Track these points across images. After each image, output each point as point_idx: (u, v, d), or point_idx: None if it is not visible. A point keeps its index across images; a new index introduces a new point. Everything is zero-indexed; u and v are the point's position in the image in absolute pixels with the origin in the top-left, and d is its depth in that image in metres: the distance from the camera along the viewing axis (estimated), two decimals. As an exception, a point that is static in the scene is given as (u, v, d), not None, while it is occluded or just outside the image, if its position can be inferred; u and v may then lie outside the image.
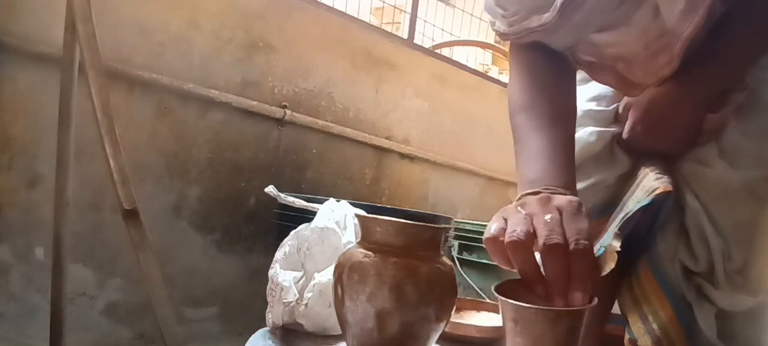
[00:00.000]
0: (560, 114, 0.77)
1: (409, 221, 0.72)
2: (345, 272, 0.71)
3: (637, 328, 0.76)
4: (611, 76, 0.79)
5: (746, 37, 0.74)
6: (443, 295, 0.72)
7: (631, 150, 0.83)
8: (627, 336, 0.77)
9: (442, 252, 0.79)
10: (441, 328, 0.75)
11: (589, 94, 0.89)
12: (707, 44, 0.74)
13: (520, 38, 0.78)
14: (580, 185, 0.85)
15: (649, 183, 0.73)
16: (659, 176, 0.73)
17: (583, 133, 0.84)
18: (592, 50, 0.77)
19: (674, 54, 0.70)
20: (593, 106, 0.87)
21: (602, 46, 0.76)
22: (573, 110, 0.81)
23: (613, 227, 0.74)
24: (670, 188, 0.69)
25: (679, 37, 0.68)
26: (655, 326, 0.74)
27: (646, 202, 0.70)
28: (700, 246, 0.73)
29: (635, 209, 0.71)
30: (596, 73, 0.80)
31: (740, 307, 0.72)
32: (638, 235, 0.76)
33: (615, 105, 0.86)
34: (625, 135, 0.81)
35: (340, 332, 0.96)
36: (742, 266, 0.71)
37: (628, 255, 0.78)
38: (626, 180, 0.81)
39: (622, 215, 0.74)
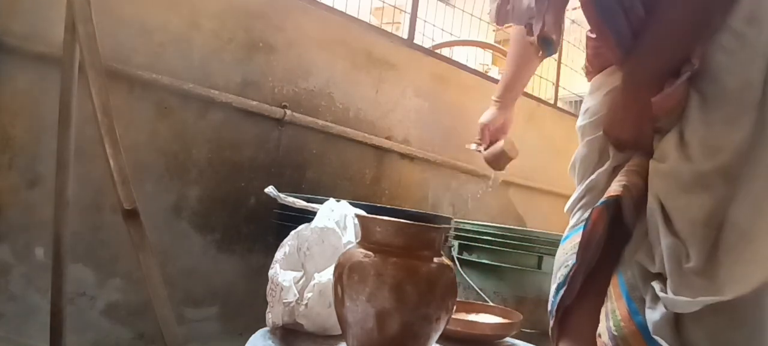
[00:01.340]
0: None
1: (409, 221, 0.72)
2: (345, 272, 0.71)
3: (602, 325, 0.78)
4: (535, 51, 1.06)
5: (675, 13, 0.74)
6: (443, 295, 0.72)
7: (614, 146, 0.85)
8: (598, 330, 0.79)
9: (442, 252, 0.79)
10: (441, 328, 0.75)
11: (586, 106, 0.94)
12: (644, 29, 0.76)
13: (496, 22, 1.10)
14: (578, 193, 0.90)
15: (611, 185, 0.77)
16: (622, 178, 0.76)
17: (580, 145, 0.91)
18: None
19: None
20: (590, 119, 0.91)
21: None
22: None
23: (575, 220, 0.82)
24: (621, 192, 0.74)
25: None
26: (611, 323, 0.75)
27: (597, 204, 0.76)
28: (657, 246, 0.73)
29: (588, 212, 0.76)
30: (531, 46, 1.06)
31: (682, 309, 0.71)
32: (609, 235, 0.79)
33: (601, 112, 0.90)
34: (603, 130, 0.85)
35: (340, 332, 0.96)
36: (702, 266, 0.70)
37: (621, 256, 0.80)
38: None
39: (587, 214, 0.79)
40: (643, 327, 0.73)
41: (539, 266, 1.85)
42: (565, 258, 0.86)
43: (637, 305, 0.74)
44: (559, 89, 3.71)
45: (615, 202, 0.75)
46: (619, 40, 0.77)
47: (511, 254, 1.88)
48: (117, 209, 1.27)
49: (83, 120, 1.36)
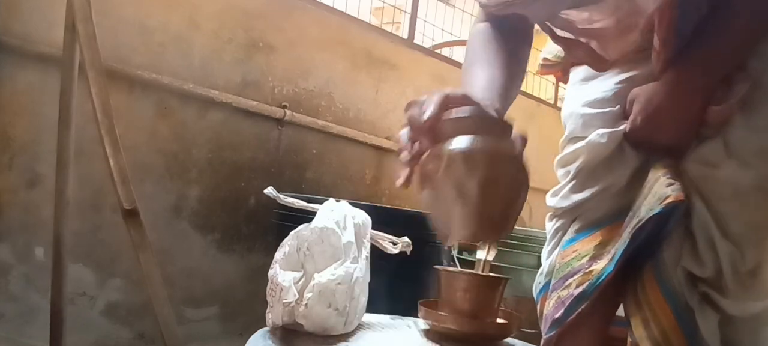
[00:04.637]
0: (500, 60, 0.80)
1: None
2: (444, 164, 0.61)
3: (638, 332, 0.75)
4: (584, 52, 0.81)
5: (743, 21, 0.72)
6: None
7: (638, 146, 0.81)
8: (629, 339, 0.77)
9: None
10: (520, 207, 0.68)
11: (590, 96, 0.87)
12: (704, 29, 0.72)
13: (500, 10, 0.80)
14: (591, 191, 0.84)
15: (661, 190, 0.72)
16: (671, 181, 0.72)
17: (594, 136, 0.83)
18: (567, 26, 0.80)
19: (638, 31, 0.72)
20: (598, 110, 0.85)
21: (577, 22, 0.78)
22: (517, 63, 0.86)
23: (626, 234, 0.75)
24: (682, 196, 0.69)
25: (643, 14, 0.70)
26: (656, 331, 0.73)
27: (657, 210, 0.70)
28: (708, 251, 0.72)
29: (647, 218, 0.71)
30: (571, 49, 0.84)
31: (749, 313, 0.71)
32: (646, 239, 0.75)
33: (619, 106, 0.85)
34: (627, 128, 0.80)
35: (340, 332, 0.96)
36: (754, 267, 0.70)
37: (635, 259, 0.77)
38: (637, 182, 0.79)
39: (634, 222, 0.74)
40: (689, 333, 0.72)
41: (539, 266, 1.85)
42: (580, 265, 0.81)
43: (684, 311, 0.73)
44: (559, 89, 3.71)
45: (674, 207, 0.71)
46: (679, 43, 0.73)
47: (511, 254, 1.88)
48: (117, 209, 1.27)
49: (83, 120, 1.36)
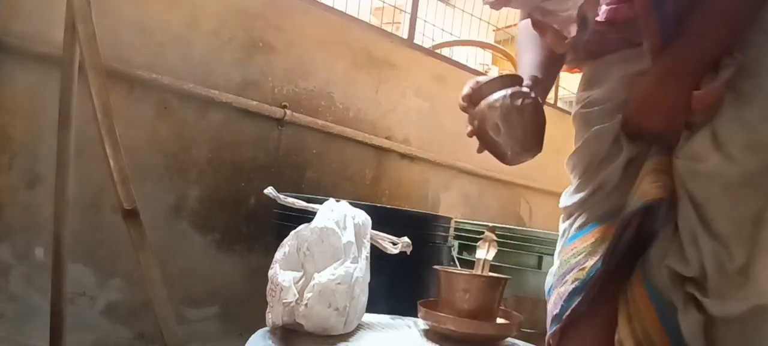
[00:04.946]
0: (539, 42, 0.95)
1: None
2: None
3: (623, 329, 0.75)
4: (551, 34, 0.89)
5: (725, 4, 0.72)
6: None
7: (632, 134, 0.82)
8: (616, 336, 0.77)
9: None
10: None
11: (591, 96, 0.89)
12: (689, 16, 0.73)
13: (494, 6, 0.93)
14: (591, 189, 0.86)
15: (644, 187, 0.73)
16: (654, 179, 0.72)
17: (590, 134, 0.85)
18: (546, 16, 0.88)
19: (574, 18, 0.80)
20: (596, 107, 0.87)
21: (554, 12, 0.86)
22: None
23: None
24: (661, 194, 0.70)
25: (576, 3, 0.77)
26: (638, 330, 0.73)
27: (635, 206, 0.72)
28: (692, 250, 0.71)
29: (629, 213, 0.72)
30: (544, 32, 0.92)
31: (733, 313, 0.69)
32: (645, 239, 0.76)
33: (615, 101, 0.85)
34: (622, 116, 0.81)
35: (340, 332, 0.96)
36: (744, 264, 0.68)
37: (635, 259, 0.78)
38: (634, 180, 0.80)
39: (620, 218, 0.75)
40: (673, 333, 0.71)
41: (539, 266, 1.85)
42: (577, 261, 0.82)
43: (667, 311, 0.72)
44: (559, 89, 3.70)
45: (652, 205, 0.72)
46: (662, 27, 0.74)
47: (511, 254, 1.88)
48: (117, 209, 1.27)
49: (83, 120, 1.36)
